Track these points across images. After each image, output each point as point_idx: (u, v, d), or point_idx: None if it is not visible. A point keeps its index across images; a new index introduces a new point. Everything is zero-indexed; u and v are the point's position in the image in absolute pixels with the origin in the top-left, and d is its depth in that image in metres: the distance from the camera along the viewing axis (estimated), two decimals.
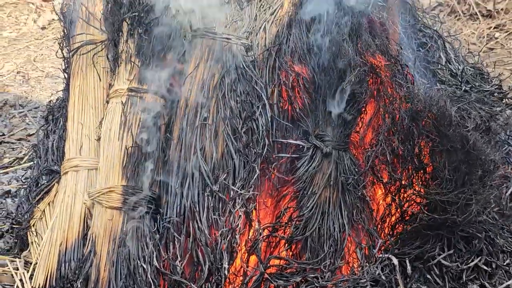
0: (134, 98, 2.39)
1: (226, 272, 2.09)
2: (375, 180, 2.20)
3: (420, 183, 2.08)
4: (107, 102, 2.45)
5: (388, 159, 2.10)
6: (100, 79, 2.54)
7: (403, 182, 2.12)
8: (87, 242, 2.36)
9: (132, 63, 2.40)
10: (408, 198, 2.13)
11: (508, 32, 5.81)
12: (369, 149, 2.15)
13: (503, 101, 2.67)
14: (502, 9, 6.06)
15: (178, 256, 2.13)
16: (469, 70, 2.75)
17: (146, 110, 2.34)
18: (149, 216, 2.25)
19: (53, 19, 6.08)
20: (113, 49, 2.50)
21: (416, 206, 2.11)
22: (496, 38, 5.72)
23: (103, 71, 2.55)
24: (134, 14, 2.41)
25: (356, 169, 2.16)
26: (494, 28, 5.86)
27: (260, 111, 2.20)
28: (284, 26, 2.29)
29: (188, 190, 2.18)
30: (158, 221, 2.25)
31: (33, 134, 3.87)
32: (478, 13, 6.08)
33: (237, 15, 2.34)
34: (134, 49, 2.42)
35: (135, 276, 2.18)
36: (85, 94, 2.59)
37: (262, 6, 2.36)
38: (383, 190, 2.21)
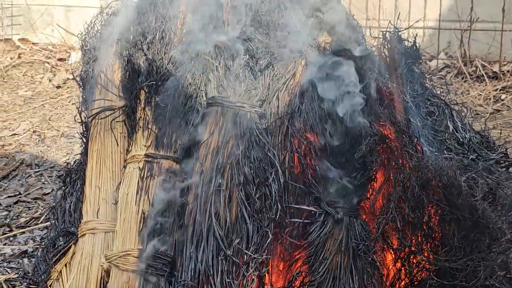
0: (151, 163, 2.44)
1: None
2: (385, 246, 2.23)
3: (430, 249, 2.12)
4: (125, 167, 2.51)
5: (398, 225, 2.14)
6: (117, 144, 2.59)
7: (412, 249, 2.16)
8: None
9: (149, 130, 2.46)
10: (417, 264, 2.16)
11: None
12: (380, 216, 2.19)
13: (509, 170, 2.70)
14: (508, 71, 6.14)
15: None
16: (476, 138, 2.77)
17: (163, 176, 2.38)
18: (164, 279, 2.26)
19: (68, 79, 6.20)
20: (130, 115, 2.57)
21: (425, 272, 2.14)
22: (503, 100, 5.76)
23: (120, 136, 2.61)
24: (151, 82, 2.49)
25: (367, 235, 2.19)
26: (500, 90, 5.93)
27: (273, 177, 2.24)
28: (296, 95, 2.35)
29: (203, 254, 2.20)
30: (173, 284, 2.26)
31: (49, 193, 3.90)
32: (484, 75, 6.15)
33: (251, 84, 2.41)
34: (151, 116, 2.49)
35: None
36: (103, 158, 2.63)
37: (275, 75, 2.43)
38: (393, 256, 2.24)
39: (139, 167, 2.42)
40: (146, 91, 2.51)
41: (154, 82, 2.49)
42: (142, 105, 2.53)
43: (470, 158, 2.56)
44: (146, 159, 2.45)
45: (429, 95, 2.84)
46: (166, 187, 2.34)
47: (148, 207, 2.35)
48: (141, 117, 2.51)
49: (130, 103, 2.57)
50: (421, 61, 3.08)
